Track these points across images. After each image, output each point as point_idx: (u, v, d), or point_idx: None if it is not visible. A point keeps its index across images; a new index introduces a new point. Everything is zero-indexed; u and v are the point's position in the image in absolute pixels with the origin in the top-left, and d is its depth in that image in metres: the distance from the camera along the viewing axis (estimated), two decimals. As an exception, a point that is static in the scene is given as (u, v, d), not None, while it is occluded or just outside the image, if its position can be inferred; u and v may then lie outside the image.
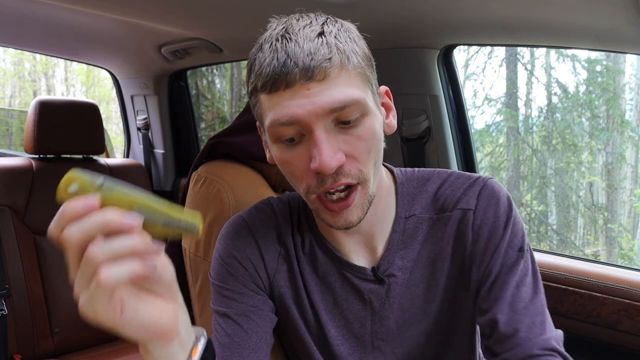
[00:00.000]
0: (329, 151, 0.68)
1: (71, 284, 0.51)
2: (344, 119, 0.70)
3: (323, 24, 0.72)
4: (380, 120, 0.77)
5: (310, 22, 0.72)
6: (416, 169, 0.90)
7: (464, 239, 0.81)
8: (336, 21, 0.74)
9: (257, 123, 0.83)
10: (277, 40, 0.70)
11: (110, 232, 0.49)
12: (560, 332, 0.77)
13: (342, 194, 0.73)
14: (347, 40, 0.72)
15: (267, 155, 0.83)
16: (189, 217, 0.53)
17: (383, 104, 0.80)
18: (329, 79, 0.68)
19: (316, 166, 0.69)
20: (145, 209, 0.52)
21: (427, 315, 0.84)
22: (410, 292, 0.83)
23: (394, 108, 0.83)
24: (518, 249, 0.79)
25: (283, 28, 0.71)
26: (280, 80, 0.68)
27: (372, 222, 0.82)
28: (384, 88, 0.81)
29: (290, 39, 0.69)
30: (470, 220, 0.81)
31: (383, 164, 0.85)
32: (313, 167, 0.69)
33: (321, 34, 0.70)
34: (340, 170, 0.70)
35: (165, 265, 0.54)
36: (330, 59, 0.68)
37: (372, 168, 0.74)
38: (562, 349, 0.74)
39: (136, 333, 0.53)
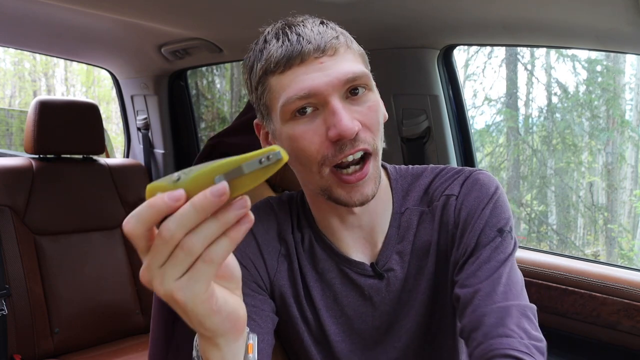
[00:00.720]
0: (347, 117, 0.72)
1: (144, 279, 0.50)
2: (352, 90, 0.74)
3: (324, 19, 0.78)
4: (382, 103, 0.81)
5: (307, 18, 0.78)
6: (410, 166, 0.91)
7: (447, 224, 0.83)
8: (336, 24, 0.80)
9: (256, 121, 0.84)
10: (283, 29, 0.75)
11: (206, 215, 0.48)
12: (531, 307, 0.74)
13: (357, 166, 0.75)
14: (345, 31, 0.79)
15: None
16: (266, 150, 0.51)
17: None
18: (338, 54, 0.74)
19: (336, 132, 0.71)
20: (225, 171, 0.50)
21: (424, 306, 0.84)
22: (408, 284, 0.84)
23: (382, 101, 0.86)
24: (497, 230, 0.79)
25: (283, 23, 0.77)
26: (294, 56, 0.72)
27: (372, 216, 0.83)
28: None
29: (298, 25, 0.75)
30: (452, 205, 0.83)
31: None
32: (333, 134, 0.72)
33: (323, 22, 0.77)
34: (357, 137, 0.73)
35: (233, 261, 0.57)
36: (337, 37, 0.75)
37: (380, 142, 0.77)
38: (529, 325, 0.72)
39: (222, 322, 0.54)
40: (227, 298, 0.55)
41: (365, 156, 0.75)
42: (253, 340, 0.62)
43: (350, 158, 0.73)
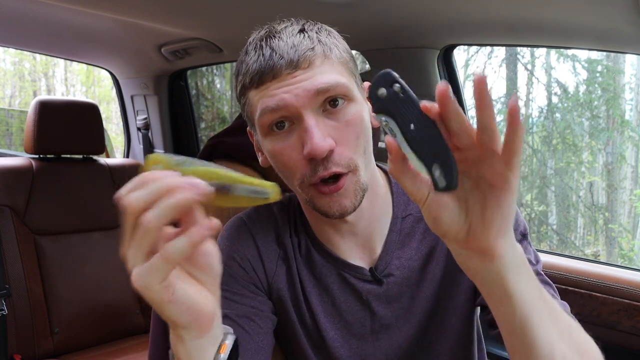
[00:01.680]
0: (320, 135, 0.70)
1: (122, 257, 0.51)
2: (330, 102, 0.72)
3: (304, 24, 0.76)
4: (367, 110, 0.78)
5: (291, 23, 0.76)
6: None
7: None
8: (316, 23, 0.78)
9: (248, 128, 0.85)
10: (260, 40, 0.75)
11: (177, 204, 0.50)
12: (566, 304, 0.76)
13: (332, 179, 0.74)
14: (327, 36, 0.76)
15: (260, 159, 0.84)
16: (261, 184, 0.54)
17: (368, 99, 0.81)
18: (313, 67, 0.72)
19: (308, 151, 0.70)
20: (220, 180, 0.53)
21: (425, 312, 0.84)
22: (409, 290, 0.83)
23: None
24: (520, 233, 0.80)
25: (266, 31, 0.76)
26: (267, 72, 0.71)
27: (369, 222, 0.82)
28: (366, 84, 0.82)
29: (274, 36, 0.74)
30: None
31: (377, 165, 0.86)
32: (305, 153, 0.70)
33: (302, 30, 0.75)
34: (330, 157, 0.71)
35: (215, 256, 0.57)
36: (313, 48, 0.72)
37: (361, 156, 0.75)
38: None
39: (180, 314, 0.54)
40: (189, 290, 0.54)
41: (339, 175, 0.73)
42: (229, 341, 0.61)
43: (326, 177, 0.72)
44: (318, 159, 0.71)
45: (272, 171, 1.20)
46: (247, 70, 0.74)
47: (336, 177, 0.73)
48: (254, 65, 0.73)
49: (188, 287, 0.54)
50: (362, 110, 0.76)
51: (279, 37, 0.73)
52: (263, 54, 0.72)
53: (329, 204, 0.75)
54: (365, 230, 0.83)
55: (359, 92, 0.78)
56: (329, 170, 0.71)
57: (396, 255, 0.83)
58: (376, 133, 1.30)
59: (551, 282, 0.78)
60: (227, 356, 0.60)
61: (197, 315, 0.55)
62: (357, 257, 0.84)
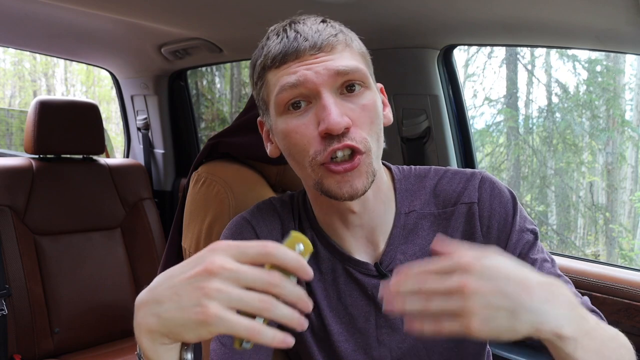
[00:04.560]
0: (337, 111, 0.71)
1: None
2: (347, 87, 0.74)
3: (324, 17, 0.80)
4: (381, 102, 0.80)
5: (311, 17, 0.80)
6: (412, 166, 0.91)
7: (472, 232, 0.83)
8: (339, 22, 0.81)
9: (259, 118, 0.85)
10: (284, 27, 0.77)
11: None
12: (587, 298, 0.79)
13: (347, 156, 0.74)
14: (348, 30, 0.80)
15: (269, 149, 0.85)
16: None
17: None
18: (335, 52, 0.74)
19: (325, 127, 0.71)
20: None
21: None
22: None
23: (389, 105, 0.86)
24: (531, 232, 0.82)
25: (287, 22, 0.78)
26: (290, 52, 0.73)
27: (373, 216, 0.83)
28: (379, 85, 0.84)
29: (298, 22, 0.77)
30: (476, 213, 0.83)
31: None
32: (321, 129, 0.72)
33: (325, 21, 0.78)
34: (345, 133, 0.73)
35: None
36: (336, 35, 0.75)
37: (375, 141, 0.76)
38: (598, 311, 0.77)
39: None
40: None
41: (354, 153, 0.74)
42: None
43: (339, 154, 0.73)
44: (334, 134, 0.72)
45: (272, 170, 1.20)
46: (268, 52, 0.76)
47: (350, 156, 0.74)
48: (277, 47, 0.75)
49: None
50: (377, 99, 0.78)
51: (303, 23, 0.76)
52: (287, 36, 0.74)
53: (339, 184, 0.75)
54: (369, 223, 0.84)
55: (375, 86, 0.79)
56: (343, 143, 0.72)
57: (400, 250, 0.84)
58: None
59: (569, 280, 0.80)
60: (192, 352, 0.61)
61: None
62: (362, 251, 0.85)
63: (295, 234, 0.58)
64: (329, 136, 0.72)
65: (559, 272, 0.80)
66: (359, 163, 0.74)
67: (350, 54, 0.76)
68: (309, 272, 0.56)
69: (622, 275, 1.30)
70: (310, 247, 0.58)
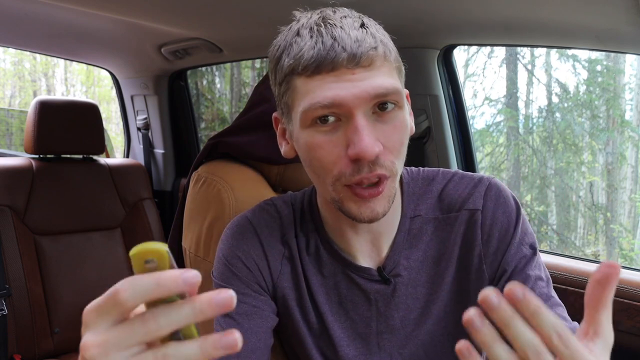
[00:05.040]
0: (371, 137, 0.67)
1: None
2: (380, 105, 0.69)
3: (360, 16, 0.73)
4: (410, 118, 0.77)
5: (347, 15, 0.72)
6: (420, 168, 0.89)
7: (472, 239, 0.82)
8: (370, 18, 0.75)
9: (276, 114, 0.81)
10: (318, 25, 0.69)
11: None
12: (576, 324, 0.76)
13: (374, 181, 0.71)
14: (384, 35, 0.74)
15: (283, 149, 0.81)
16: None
17: None
18: (374, 67, 0.68)
19: (356, 152, 0.66)
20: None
21: (431, 315, 0.83)
22: (416, 292, 0.83)
23: (412, 112, 0.82)
24: (529, 246, 0.80)
25: (320, 17, 0.71)
26: (325, 62, 0.67)
27: (382, 221, 0.81)
28: (406, 91, 0.79)
29: (335, 25, 0.69)
30: (478, 221, 0.81)
31: None
32: (352, 153, 0.67)
33: (363, 25, 0.71)
34: (376, 160, 0.69)
35: None
36: (376, 48, 0.69)
37: (401, 163, 0.74)
38: None
39: None
40: None
41: (381, 179, 0.71)
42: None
43: (366, 181, 0.70)
44: (365, 161, 0.68)
45: (273, 170, 1.20)
46: (300, 54, 0.68)
47: (376, 182, 0.71)
48: (311, 52, 0.67)
49: None
50: (407, 117, 0.74)
51: (341, 26, 0.68)
52: (323, 42, 0.67)
53: (360, 209, 0.72)
54: (377, 229, 0.82)
55: (406, 101, 0.76)
56: (374, 172, 0.69)
57: (404, 256, 0.83)
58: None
59: (562, 304, 0.78)
60: None
61: None
62: (366, 255, 0.84)
63: (133, 253, 0.42)
64: (358, 162, 0.68)
65: (552, 292, 0.78)
66: (383, 189, 0.71)
67: (388, 70, 0.71)
68: (186, 278, 0.39)
69: (622, 275, 1.30)
70: (164, 251, 0.40)
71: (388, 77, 0.70)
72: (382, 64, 0.70)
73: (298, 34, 0.70)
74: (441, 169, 0.89)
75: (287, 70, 0.71)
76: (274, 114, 0.82)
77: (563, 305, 0.78)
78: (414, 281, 0.83)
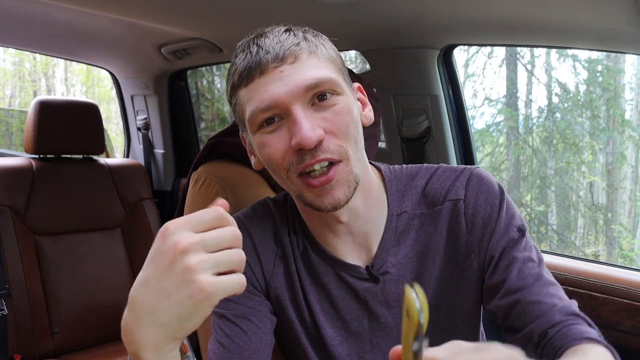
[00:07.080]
0: (308, 125, 0.71)
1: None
2: (319, 96, 0.73)
3: (290, 26, 0.78)
4: (358, 106, 0.80)
5: (276, 28, 0.78)
6: (404, 165, 0.90)
7: (457, 229, 0.82)
8: (303, 26, 0.80)
9: (241, 133, 0.85)
10: (248, 42, 0.77)
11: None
12: (574, 301, 0.78)
13: (324, 169, 0.74)
14: (313, 36, 0.78)
15: (253, 162, 0.85)
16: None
17: (358, 99, 0.83)
18: (299, 61, 0.73)
19: (297, 141, 0.71)
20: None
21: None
22: None
23: (370, 104, 0.85)
24: (517, 229, 0.80)
25: (254, 34, 0.78)
26: (254, 68, 0.73)
27: (365, 222, 0.83)
28: (356, 84, 0.83)
29: (261, 36, 0.76)
30: (461, 210, 0.82)
31: (371, 163, 0.86)
32: (294, 143, 0.72)
33: (288, 30, 0.77)
34: (319, 146, 0.73)
35: None
36: (298, 44, 0.74)
37: (352, 145, 0.76)
38: (583, 315, 0.75)
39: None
40: None
41: (331, 164, 0.74)
42: (186, 340, 0.63)
43: (316, 167, 0.73)
44: (306, 149, 0.72)
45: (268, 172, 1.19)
46: (235, 69, 0.76)
47: (327, 168, 0.74)
48: (242, 64, 0.75)
49: None
50: (350, 103, 0.77)
51: (266, 36, 0.75)
52: (250, 52, 0.74)
53: (319, 198, 0.75)
54: (361, 230, 0.83)
55: (348, 88, 0.78)
56: (316, 158, 0.72)
57: (392, 253, 0.84)
58: (376, 133, 1.30)
59: (556, 282, 0.79)
60: (193, 353, 0.62)
61: None
62: (354, 255, 0.84)
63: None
64: (302, 150, 0.72)
65: (544, 272, 0.79)
66: (334, 175, 0.74)
67: (316, 62, 0.75)
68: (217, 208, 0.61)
69: (622, 275, 1.30)
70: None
71: (317, 69, 0.74)
72: (308, 58, 0.74)
73: (236, 55, 0.78)
74: (425, 164, 0.90)
75: (231, 88, 0.78)
76: (240, 134, 0.86)
77: (557, 284, 0.79)
78: (403, 277, 0.83)
